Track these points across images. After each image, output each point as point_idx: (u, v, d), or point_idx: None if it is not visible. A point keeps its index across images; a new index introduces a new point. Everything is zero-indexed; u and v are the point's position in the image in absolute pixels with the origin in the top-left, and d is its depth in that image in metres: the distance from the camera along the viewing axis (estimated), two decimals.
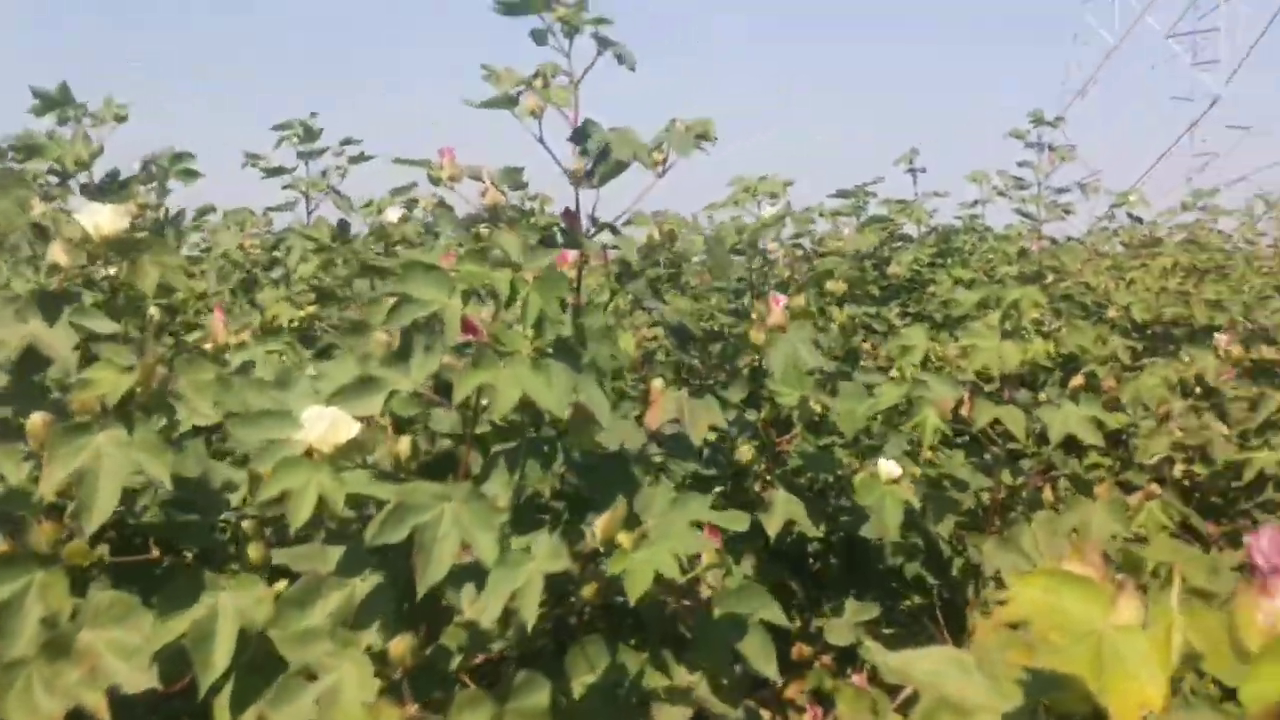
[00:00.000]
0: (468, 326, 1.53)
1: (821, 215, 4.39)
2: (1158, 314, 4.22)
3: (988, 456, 2.53)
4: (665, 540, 1.47)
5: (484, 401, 1.52)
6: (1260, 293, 3.87)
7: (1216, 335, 2.92)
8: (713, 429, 2.09)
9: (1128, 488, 3.21)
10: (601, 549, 1.51)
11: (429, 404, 1.59)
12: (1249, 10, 29.51)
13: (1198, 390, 3.22)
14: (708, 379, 2.21)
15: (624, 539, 1.48)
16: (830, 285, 2.79)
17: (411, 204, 3.43)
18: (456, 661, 1.50)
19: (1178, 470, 3.11)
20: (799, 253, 3.77)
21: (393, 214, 3.30)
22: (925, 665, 0.67)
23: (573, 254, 1.87)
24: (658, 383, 1.94)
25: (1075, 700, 0.59)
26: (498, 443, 1.62)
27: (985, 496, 2.41)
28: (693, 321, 1.99)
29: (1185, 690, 0.95)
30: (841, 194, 4.28)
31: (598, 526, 1.49)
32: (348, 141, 3.63)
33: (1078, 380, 2.25)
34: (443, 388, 1.60)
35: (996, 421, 2.19)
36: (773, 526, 2.01)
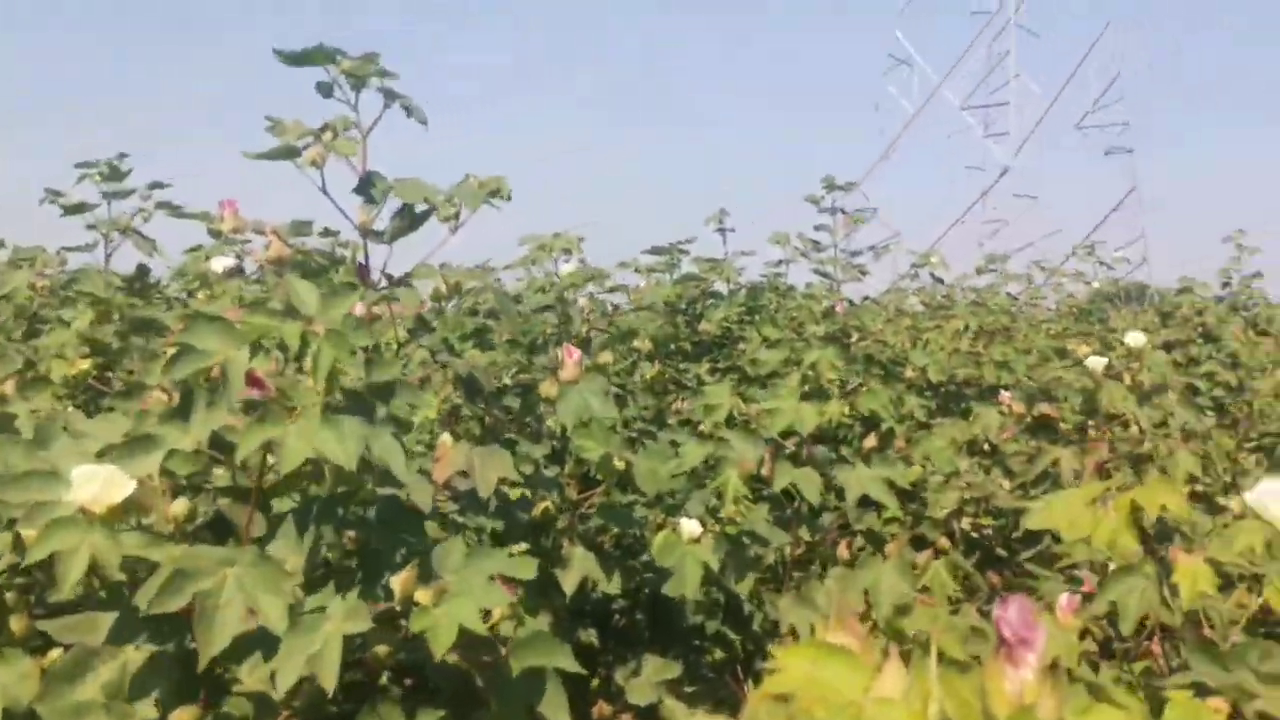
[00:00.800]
0: (255, 381, 1.47)
1: (637, 271, 4.46)
2: (951, 374, 4.43)
3: (789, 512, 2.58)
4: (465, 595, 1.44)
5: (270, 459, 1.45)
6: (1043, 354, 4.12)
7: (1001, 394, 3.08)
8: (512, 484, 2.07)
9: (922, 540, 3.35)
10: (399, 607, 1.47)
11: (211, 462, 1.52)
12: (1038, 88, 31.87)
13: (985, 446, 3.40)
14: (503, 433, 2.18)
15: (423, 596, 1.45)
16: (637, 343, 2.82)
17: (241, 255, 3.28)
18: None
19: (966, 523, 3.26)
20: (610, 308, 3.80)
21: (218, 264, 3.12)
22: None
23: (362, 307, 1.83)
24: (446, 437, 1.91)
25: None
26: (282, 500, 1.56)
27: (786, 551, 2.46)
28: (488, 375, 1.96)
29: None
30: (655, 251, 4.35)
31: (395, 584, 1.46)
32: (156, 185, 3.47)
33: (870, 441, 2.33)
34: (226, 446, 1.53)
35: None
36: (569, 583, 1.99)
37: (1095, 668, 2.08)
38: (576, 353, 2.14)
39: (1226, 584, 1.93)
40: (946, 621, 1.20)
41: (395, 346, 2.03)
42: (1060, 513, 2.06)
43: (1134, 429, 2.80)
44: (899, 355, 4.49)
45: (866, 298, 7.26)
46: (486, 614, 1.53)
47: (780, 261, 5.94)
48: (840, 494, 2.69)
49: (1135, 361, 2.83)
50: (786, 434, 2.34)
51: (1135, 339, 2.81)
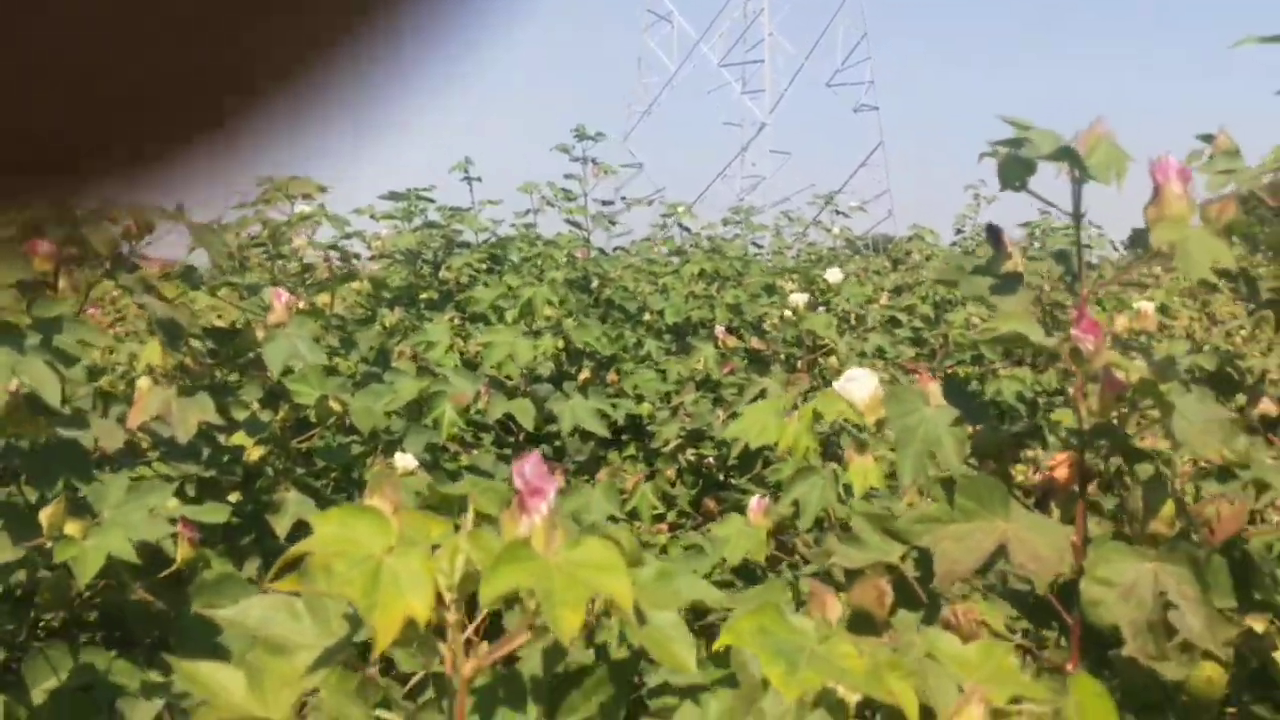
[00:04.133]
0: None
1: (373, 218, 4.41)
2: (686, 316, 4.61)
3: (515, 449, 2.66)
4: (119, 527, 1.43)
5: None
6: (752, 292, 4.34)
7: (716, 329, 3.25)
8: (220, 428, 2.05)
9: (651, 470, 3.52)
10: (49, 542, 1.43)
11: None
12: (791, 47, 33.03)
13: (711, 381, 3.59)
14: (206, 377, 2.15)
15: (73, 528, 1.42)
16: (356, 285, 2.82)
17: None
18: None
19: (691, 453, 3.44)
20: (341, 254, 3.75)
21: None
22: (256, 612, 0.71)
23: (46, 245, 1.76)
24: (143, 381, 1.87)
25: None
26: None
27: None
28: (190, 316, 1.93)
29: None
30: (393, 196, 4.31)
31: (42, 517, 1.42)
32: None
33: (585, 375, 2.43)
34: None
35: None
36: (282, 528, 2.00)
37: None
38: (285, 295, 2.13)
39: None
40: (486, 485, 1.29)
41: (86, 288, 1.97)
42: (752, 422, 2.23)
43: (833, 359, 3.02)
44: (638, 299, 4.64)
45: (619, 248, 7.43)
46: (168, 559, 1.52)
47: (529, 211, 6.00)
48: (585, 434, 2.79)
49: (836, 296, 3.05)
50: (506, 369, 2.41)
51: (834, 274, 3.03)
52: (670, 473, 3.39)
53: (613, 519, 2.24)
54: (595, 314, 4.79)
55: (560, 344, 2.32)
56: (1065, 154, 1.08)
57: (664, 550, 2.76)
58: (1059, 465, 1.21)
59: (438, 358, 2.45)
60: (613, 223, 6.24)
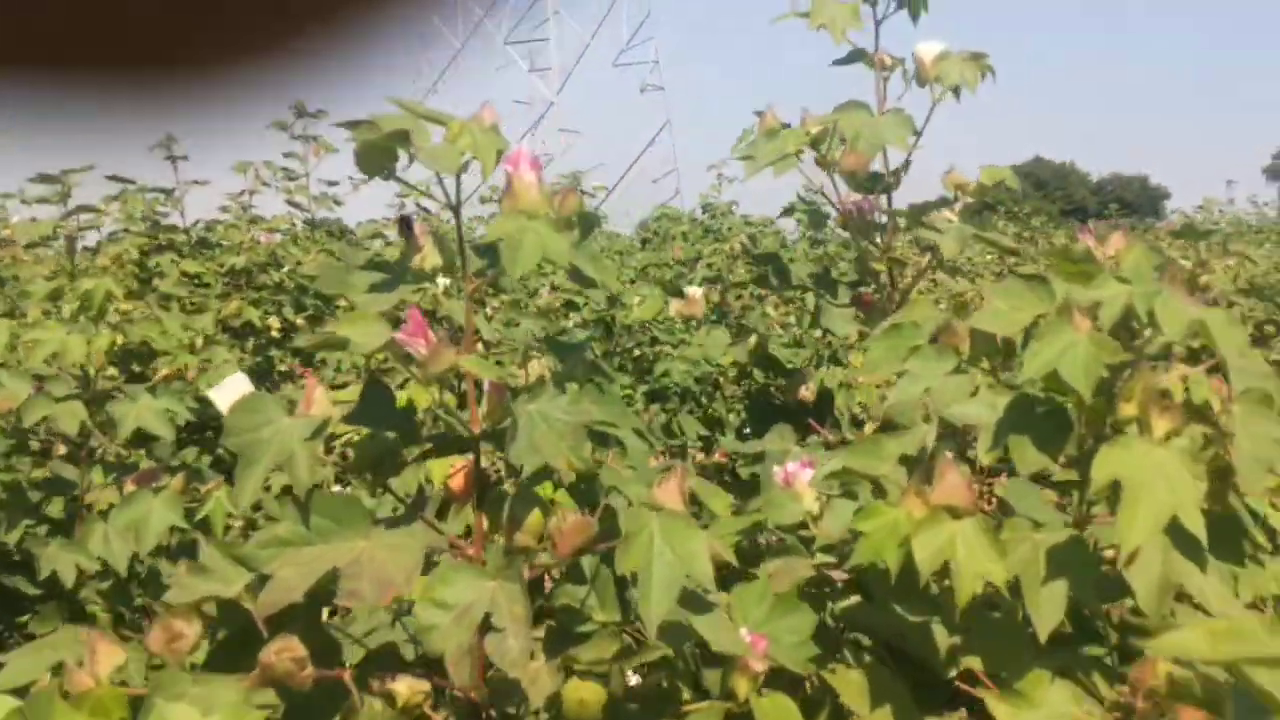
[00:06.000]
0: None
1: (24, 202, 4.04)
2: None
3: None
4: None
5: None
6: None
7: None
8: None
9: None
10: None
11: None
12: (578, 25, 32.97)
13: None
14: None
15: None
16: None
17: None
18: None
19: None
20: None
21: None
22: None
23: None
24: None
25: None
26: None
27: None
28: None
29: None
30: (45, 179, 3.94)
31: None
32: None
33: (165, 372, 2.23)
34: None
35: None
36: None
37: None
38: None
39: None
40: None
41: None
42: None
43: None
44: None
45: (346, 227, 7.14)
46: None
47: (243, 192, 5.65)
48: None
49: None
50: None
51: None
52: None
53: (175, 529, 2.05)
54: (290, 300, 4.56)
55: (119, 339, 2.11)
56: (399, 138, 0.99)
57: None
58: (457, 473, 1.12)
59: None
60: (338, 203, 5.99)
